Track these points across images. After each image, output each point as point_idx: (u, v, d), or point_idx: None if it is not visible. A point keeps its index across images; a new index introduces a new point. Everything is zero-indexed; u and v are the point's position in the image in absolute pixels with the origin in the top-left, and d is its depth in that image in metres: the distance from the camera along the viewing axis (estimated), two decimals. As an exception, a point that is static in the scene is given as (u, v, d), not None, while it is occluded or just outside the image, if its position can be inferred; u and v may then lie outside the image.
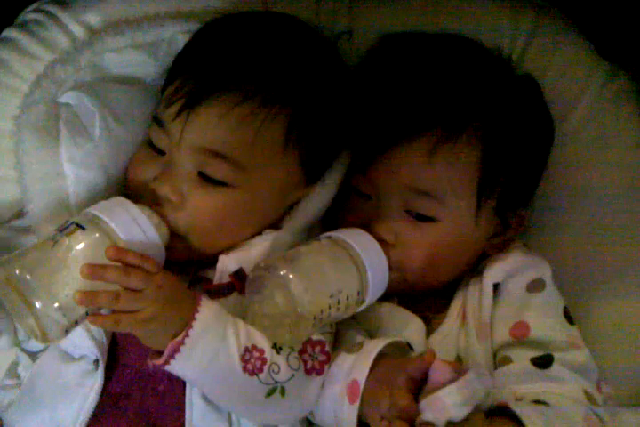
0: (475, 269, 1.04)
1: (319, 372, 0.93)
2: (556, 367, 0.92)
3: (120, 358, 0.94)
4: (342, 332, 1.00)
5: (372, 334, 1.01)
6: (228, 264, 0.94)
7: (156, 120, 0.95)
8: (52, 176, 0.95)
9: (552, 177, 1.10)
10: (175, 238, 0.92)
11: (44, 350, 0.99)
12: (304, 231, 1.01)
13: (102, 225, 0.84)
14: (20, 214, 0.99)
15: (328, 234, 0.96)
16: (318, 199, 0.99)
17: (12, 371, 1.02)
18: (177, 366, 0.85)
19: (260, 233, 0.98)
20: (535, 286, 1.00)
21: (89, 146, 0.97)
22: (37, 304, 0.80)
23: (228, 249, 0.96)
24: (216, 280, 0.94)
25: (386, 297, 0.99)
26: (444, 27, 1.11)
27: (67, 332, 0.83)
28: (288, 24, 1.00)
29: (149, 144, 0.96)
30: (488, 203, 1.01)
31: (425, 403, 0.78)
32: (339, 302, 0.90)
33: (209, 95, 0.91)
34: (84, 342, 0.92)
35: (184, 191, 0.92)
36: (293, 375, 0.90)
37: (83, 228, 0.83)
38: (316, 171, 0.99)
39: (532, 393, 0.90)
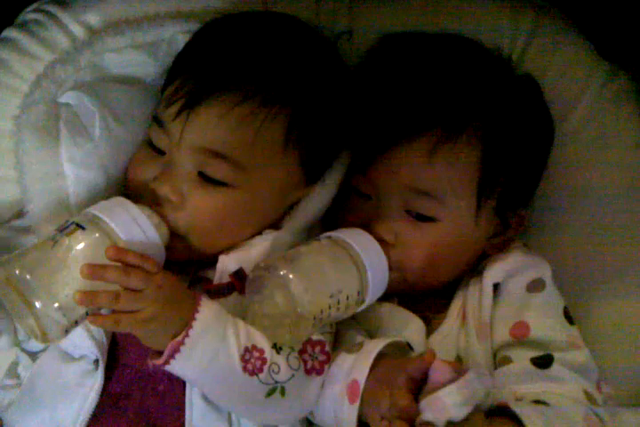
0: (475, 269, 1.05)
1: (319, 372, 0.93)
2: (556, 367, 0.92)
3: (120, 358, 0.94)
4: (342, 332, 1.00)
5: (372, 334, 1.01)
6: (227, 264, 0.94)
7: (156, 120, 0.95)
8: (51, 176, 0.95)
9: (552, 177, 1.11)
10: (175, 238, 0.92)
11: (43, 351, 1.00)
12: (304, 231, 1.01)
13: (102, 225, 0.84)
14: (19, 214, 0.99)
15: (328, 234, 0.96)
16: (318, 199, 1.00)
17: (12, 371, 1.02)
18: (177, 366, 0.85)
19: (260, 233, 0.98)
20: (535, 285, 1.00)
21: (89, 146, 0.97)
22: (37, 304, 0.80)
23: (227, 249, 0.96)
24: (216, 280, 0.94)
25: (386, 297, 0.99)
26: (444, 27, 1.11)
27: (67, 332, 0.83)
28: (288, 24, 1.00)
29: (149, 144, 0.96)
30: (488, 203, 1.01)
31: (425, 403, 0.79)
32: (339, 302, 0.90)
33: (209, 95, 0.91)
34: (84, 342, 0.92)
35: (184, 191, 0.92)
36: (293, 375, 0.90)
37: (83, 228, 0.83)
38: (316, 171, 0.99)
39: (532, 393, 0.90)
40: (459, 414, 0.78)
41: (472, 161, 0.99)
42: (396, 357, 0.92)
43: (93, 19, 1.07)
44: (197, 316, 0.85)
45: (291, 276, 0.86)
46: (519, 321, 0.97)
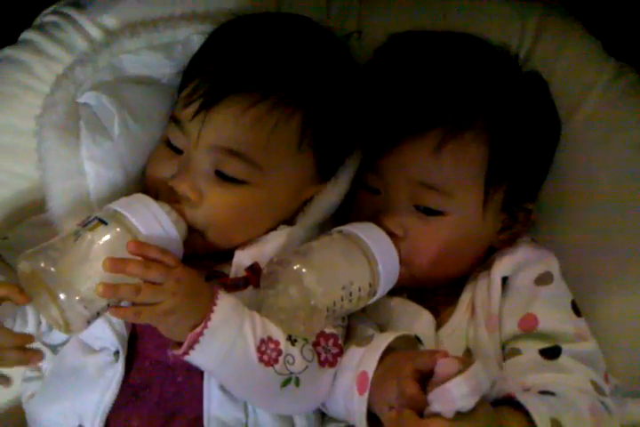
0: (483, 263, 1.05)
1: (332, 364, 0.95)
2: (563, 358, 0.93)
3: (139, 349, 0.96)
4: (354, 326, 1.02)
5: (382, 328, 1.02)
6: (243, 259, 0.96)
7: (174, 120, 0.97)
8: (73, 174, 0.97)
9: (559, 174, 1.11)
10: (193, 234, 0.94)
11: (63, 344, 1.01)
12: (317, 227, 1.02)
13: (124, 220, 0.86)
14: (42, 210, 1.00)
15: (339, 228, 0.97)
16: (331, 196, 1.01)
17: None
18: (196, 357, 0.87)
19: (274, 229, 0.99)
20: (543, 279, 1.00)
21: (108, 144, 0.98)
22: (61, 296, 0.81)
23: (243, 244, 0.98)
24: (232, 275, 0.96)
25: (396, 292, 1.01)
26: (452, 26, 1.11)
27: (89, 323, 0.85)
28: (301, 25, 1.01)
29: (167, 143, 0.98)
30: (495, 197, 1.02)
31: (433, 395, 0.79)
32: (351, 294, 0.92)
33: (225, 96, 0.92)
34: (106, 335, 0.94)
35: (201, 189, 0.94)
36: (307, 367, 0.92)
37: (105, 223, 0.85)
38: (328, 169, 1.01)
39: (539, 384, 0.90)
40: (466, 404, 0.79)
41: (479, 156, 1.00)
42: (404, 350, 0.93)
43: (110, 21, 1.09)
44: (215, 308, 0.87)
45: (304, 270, 0.88)
46: (528, 314, 0.97)
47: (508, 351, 0.97)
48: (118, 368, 0.94)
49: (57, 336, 1.01)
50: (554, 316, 0.97)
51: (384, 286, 0.95)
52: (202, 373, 0.94)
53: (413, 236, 1.00)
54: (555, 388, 0.89)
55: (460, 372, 0.79)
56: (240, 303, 0.91)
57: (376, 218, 1.01)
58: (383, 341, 0.92)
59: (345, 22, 1.16)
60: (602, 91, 1.15)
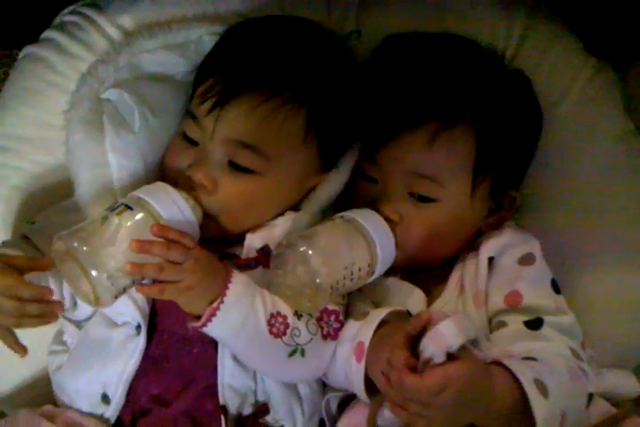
0: (471, 246, 1.09)
1: (333, 337, 1.00)
2: (545, 329, 0.97)
3: (159, 324, 1.01)
4: (352, 304, 1.06)
5: (377, 305, 1.06)
6: (254, 241, 1.00)
7: (191, 115, 1.01)
8: (98, 164, 1.01)
9: (543, 163, 1.15)
10: (208, 219, 0.98)
11: (86, 319, 1.06)
12: (320, 213, 1.07)
13: (147, 206, 0.91)
14: (65, 198, 1.06)
15: (341, 214, 1.02)
16: (333, 184, 1.06)
17: (58, 338, 1.09)
18: (213, 329, 0.93)
19: (282, 214, 1.04)
20: (526, 259, 1.04)
21: (130, 137, 1.02)
22: (93, 272, 0.86)
23: (253, 228, 1.02)
24: (243, 256, 1.00)
25: (390, 272, 1.05)
26: (444, 28, 1.15)
27: (116, 298, 0.90)
28: (305, 28, 1.06)
29: (183, 136, 1.02)
30: (482, 185, 1.06)
31: (426, 338, 0.83)
32: (352, 274, 0.97)
33: (237, 94, 0.97)
34: (128, 310, 0.99)
35: (216, 178, 0.98)
36: (312, 339, 0.98)
37: (130, 208, 0.90)
38: (331, 159, 1.05)
39: (523, 351, 0.95)
40: (455, 343, 0.83)
41: (467, 148, 1.04)
42: (397, 322, 0.96)
43: (127, 22, 1.13)
44: (230, 286, 0.92)
45: (310, 252, 0.93)
46: (513, 291, 1.01)
47: (494, 324, 1.01)
48: (140, 341, 0.99)
49: (80, 312, 1.06)
50: (536, 292, 1.01)
51: (382, 267, 1.01)
52: (215, 345, 0.99)
53: (408, 221, 1.05)
54: (537, 354, 0.93)
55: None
56: (252, 281, 0.96)
57: (374, 205, 1.05)
58: (378, 315, 0.97)
59: (345, 23, 1.19)
60: (583, 87, 1.19)
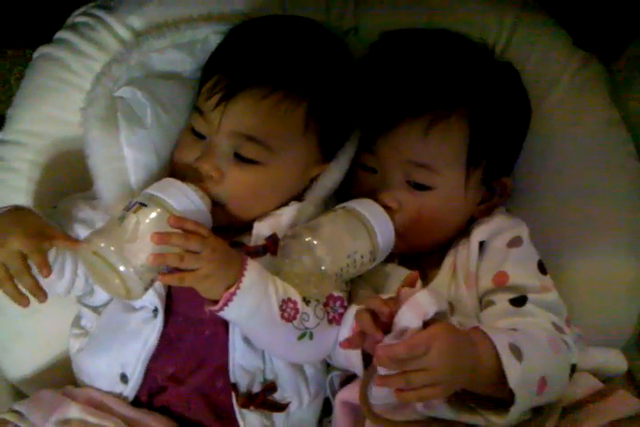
0: (464, 232, 1.12)
1: (338, 322, 1.04)
2: (529, 306, 1.00)
3: (174, 308, 1.05)
4: (354, 291, 1.10)
5: (377, 290, 1.10)
6: (262, 230, 1.04)
7: (198, 110, 1.05)
8: (114, 158, 1.05)
9: (532, 151, 1.19)
10: (216, 208, 1.02)
11: (103, 305, 1.10)
12: (323, 202, 1.10)
13: (160, 202, 0.95)
14: (82, 189, 1.11)
15: (342, 205, 1.06)
16: (334, 174, 1.10)
17: (77, 323, 1.14)
18: (229, 312, 0.97)
19: (286, 204, 1.08)
20: (514, 242, 1.08)
21: (143, 132, 1.06)
22: (121, 268, 0.91)
23: (260, 217, 1.06)
24: (252, 243, 1.04)
25: (388, 258, 1.08)
26: (438, 23, 1.19)
27: (146, 289, 0.95)
28: (305, 27, 1.10)
29: (191, 130, 1.06)
30: (476, 173, 1.10)
31: (404, 307, 0.88)
32: (355, 261, 1.01)
33: (242, 89, 1.01)
34: (148, 295, 1.01)
35: (223, 169, 1.02)
36: (319, 323, 1.02)
37: (145, 205, 0.94)
38: (331, 150, 1.09)
39: (506, 326, 0.98)
40: (431, 309, 0.87)
41: (461, 137, 1.07)
42: None
43: (136, 22, 1.17)
44: (245, 273, 0.96)
45: (315, 241, 0.97)
46: (500, 271, 1.04)
47: (484, 304, 1.05)
48: (157, 323, 1.04)
49: (97, 299, 1.11)
50: (522, 272, 1.04)
51: (382, 253, 1.04)
52: (227, 327, 1.04)
53: (406, 208, 1.09)
54: (518, 326, 0.97)
55: None
56: (264, 269, 0.99)
57: (373, 194, 1.08)
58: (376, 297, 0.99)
59: (343, 21, 1.23)
60: (570, 78, 1.23)
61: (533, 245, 1.10)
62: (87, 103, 1.07)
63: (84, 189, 1.11)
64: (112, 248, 0.91)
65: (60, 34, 1.22)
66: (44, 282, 0.98)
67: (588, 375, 1.08)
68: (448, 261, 1.11)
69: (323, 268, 0.98)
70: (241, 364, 1.05)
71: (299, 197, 1.10)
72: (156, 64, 1.11)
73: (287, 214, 1.07)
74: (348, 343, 0.94)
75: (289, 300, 1.00)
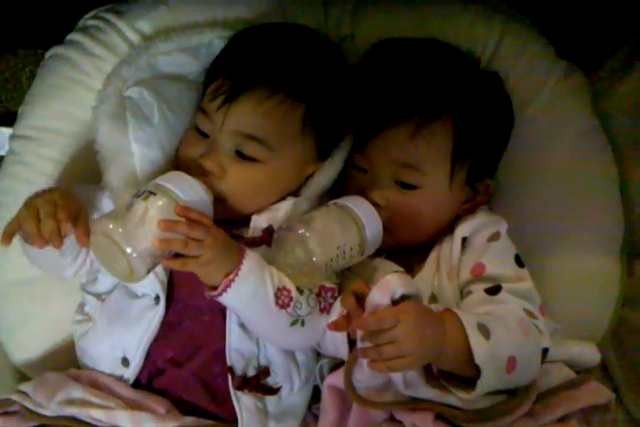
0: (449, 229, 1.16)
1: (329, 311, 1.09)
2: (502, 294, 1.04)
3: (174, 295, 1.09)
4: (344, 283, 1.13)
5: (365, 283, 1.04)
6: (259, 222, 1.08)
7: (202, 110, 1.09)
8: (123, 153, 1.10)
9: (515, 155, 1.24)
10: (217, 202, 1.06)
11: (106, 292, 1.15)
12: (317, 198, 1.15)
13: (168, 191, 0.99)
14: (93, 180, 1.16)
15: (334, 201, 1.10)
16: (328, 172, 1.14)
17: (80, 309, 1.18)
18: (227, 298, 1.01)
19: (283, 199, 1.12)
20: (493, 237, 1.12)
21: (150, 130, 1.11)
22: (128, 250, 0.95)
23: (258, 211, 1.10)
24: (250, 235, 1.08)
25: (376, 253, 1.12)
26: (429, 32, 1.24)
27: (148, 272, 0.99)
28: (303, 33, 1.15)
29: (196, 129, 1.10)
30: (460, 174, 1.14)
31: (374, 288, 0.94)
32: (344, 253, 1.05)
33: (244, 91, 1.05)
34: (149, 283, 1.07)
35: (224, 165, 1.06)
36: (311, 312, 1.06)
37: (154, 193, 0.98)
38: (326, 150, 1.14)
39: (481, 312, 1.01)
40: (398, 289, 0.93)
41: (446, 141, 1.12)
42: None
43: (145, 26, 1.23)
44: (244, 261, 1.00)
45: (307, 234, 1.02)
46: (478, 263, 1.09)
47: (464, 295, 1.09)
48: (159, 310, 1.08)
49: (101, 286, 1.15)
50: (498, 264, 1.09)
51: (370, 247, 1.09)
52: (224, 314, 1.08)
53: (394, 206, 1.13)
54: (491, 312, 1.01)
55: None
56: (261, 258, 1.03)
57: (364, 192, 1.13)
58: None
59: (340, 28, 1.28)
60: (553, 87, 1.28)
61: (512, 241, 1.14)
62: (98, 101, 1.12)
63: (94, 182, 1.15)
64: (120, 230, 0.95)
65: (72, 36, 1.27)
66: (57, 264, 1.04)
67: (562, 365, 1.12)
68: (432, 256, 1.15)
69: (314, 259, 1.02)
70: (237, 348, 1.09)
71: (295, 193, 1.14)
72: (162, 66, 1.16)
73: (283, 209, 1.11)
74: (335, 325, 1.00)
75: (284, 288, 1.04)
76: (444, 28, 1.27)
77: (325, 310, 1.09)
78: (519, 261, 1.12)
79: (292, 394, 1.14)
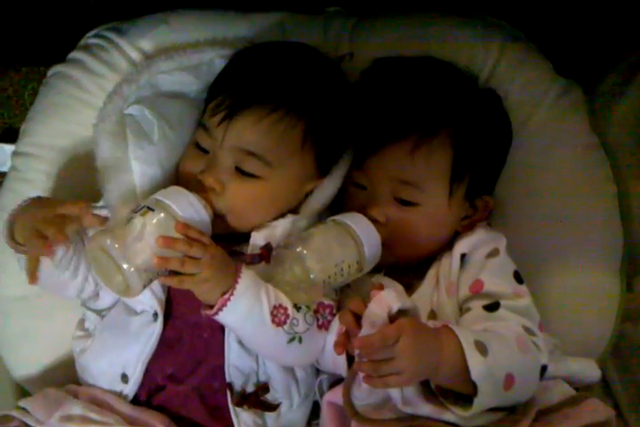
0: (448, 245, 1.16)
1: (327, 328, 1.09)
2: (501, 311, 1.04)
3: (173, 311, 1.10)
4: (343, 300, 1.13)
5: (364, 300, 1.02)
6: (258, 239, 1.09)
7: (203, 126, 1.10)
8: (122, 171, 1.10)
9: (513, 172, 1.24)
10: (216, 218, 1.06)
11: (106, 309, 1.16)
12: (316, 215, 1.15)
13: (166, 207, 0.99)
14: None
15: (333, 218, 1.10)
16: (327, 189, 1.14)
17: (81, 325, 1.19)
18: (224, 316, 1.01)
19: (282, 216, 1.12)
20: (492, 253, 1.12)
21: (150, 148, 1.12)
22: (124, 266, 0.95)
23: (258, 227, 1.10)
24: (249, 252, 1.08)
25: (375, 270, 1.11)
26: (428, 51, 1.24)
27: (144, 287, 0.98)
28: (302, 51, 1.16)
29: (196, 145, 1.11)
30: (459, 190, 1.15)
31: (371, 304, 0.95)
32: (342, 270, 1.05)
33: (244, 108, 1.06)
34: (147, 299, 1.07)
35: (224, 182, 1.07)
36: (308, 329, 1.06)
37: (152, 209, 0.98)
38: (325, 167, 1.14)
39: (479, 329, 1.01)
40: (395, 304, 0.94)
41: (445, 158, 1.13)
42: None
43: (146, 45, 1.24)
44: (240, 280, 1.01)
45: (305, 251, 1.02)
46: (476, 279, 1.09)
47: (463, 311, 1.09)
48: (157, 326, 1.08)
49: (101, 302, 1.16)
50: (497, 280, 1.09)
51: (369, 264, 1.08)
52: (223, 330, 1.08)
53: (393, 222, 1.13)
54: (489, 329, 1.01)
55: None
56: (257, 276, 1.04)
57: (363, 209, 1.13)
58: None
59: (339, 46, 1.30)
60: (551, 104, 1.29)
61: (511, 257, 1.15)
62: (99, 119, 1.13)
63: (94, 199, 1.16)
64: (117, 246, 0.95)
65: (74, 54, 1.29)
66: (58, 282, 1.04)
67: (562, 382, 1.12)
68: (431, 273, 1.16)
69: (312, 276, 1.02)
70: (236, 364, 1.09)
71: (294, 210, 1.15)
72: (163, 85, 1.17)
73: (282, 226, 1.11)
74: (339, 345, 0.99)
75: (280, 306, 1.04)
76: (444, 47, 1.28)
77: (324, 326, 1.09)
78: (518, 278, 1.13)
79: (292, 410, 1.14)
